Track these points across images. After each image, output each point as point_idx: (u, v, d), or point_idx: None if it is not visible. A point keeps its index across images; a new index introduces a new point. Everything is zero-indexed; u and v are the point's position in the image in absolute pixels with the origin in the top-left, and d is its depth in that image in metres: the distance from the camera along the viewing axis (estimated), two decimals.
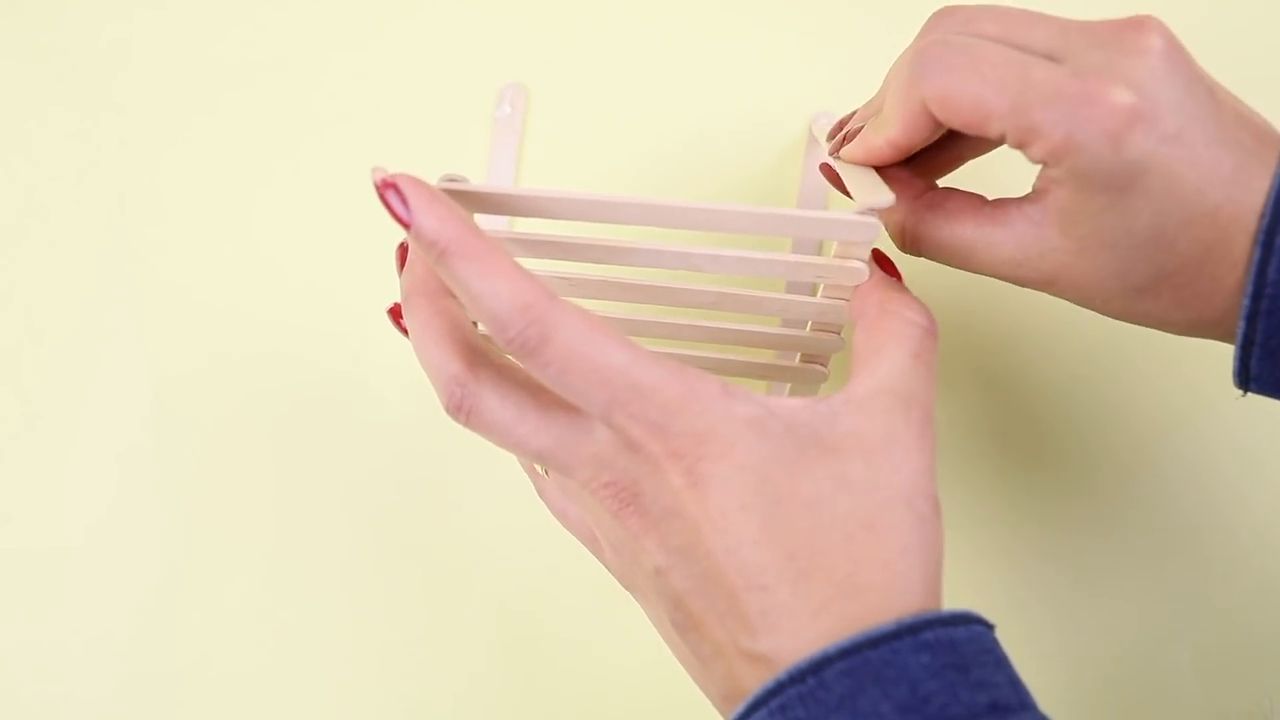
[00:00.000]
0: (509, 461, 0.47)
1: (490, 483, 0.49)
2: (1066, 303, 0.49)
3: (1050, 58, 0.31)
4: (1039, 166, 0.32)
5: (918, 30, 0.48)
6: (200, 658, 0.49)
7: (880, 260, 0.35)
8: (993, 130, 0.31)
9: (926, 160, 0.37)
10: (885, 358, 0.31)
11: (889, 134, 0.34)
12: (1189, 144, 0.30)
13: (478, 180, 0.48)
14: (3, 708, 0.48)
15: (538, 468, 0.37)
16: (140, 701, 0.49)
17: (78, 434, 0.49)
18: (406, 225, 0.28)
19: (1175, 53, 0.31)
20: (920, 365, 0.31)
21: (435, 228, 0.28)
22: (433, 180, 0.31)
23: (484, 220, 0.35)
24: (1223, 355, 0.49)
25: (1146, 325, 0.34)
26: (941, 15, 0.34)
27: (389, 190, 0.28)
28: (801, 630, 0.28)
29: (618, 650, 0.49)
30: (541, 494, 0.37)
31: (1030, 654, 0.49)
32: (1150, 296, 0.33)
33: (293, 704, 0.49)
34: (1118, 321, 0.49)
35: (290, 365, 0.50)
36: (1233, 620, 0.50)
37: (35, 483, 0.49)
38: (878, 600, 0.28)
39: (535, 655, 0.49)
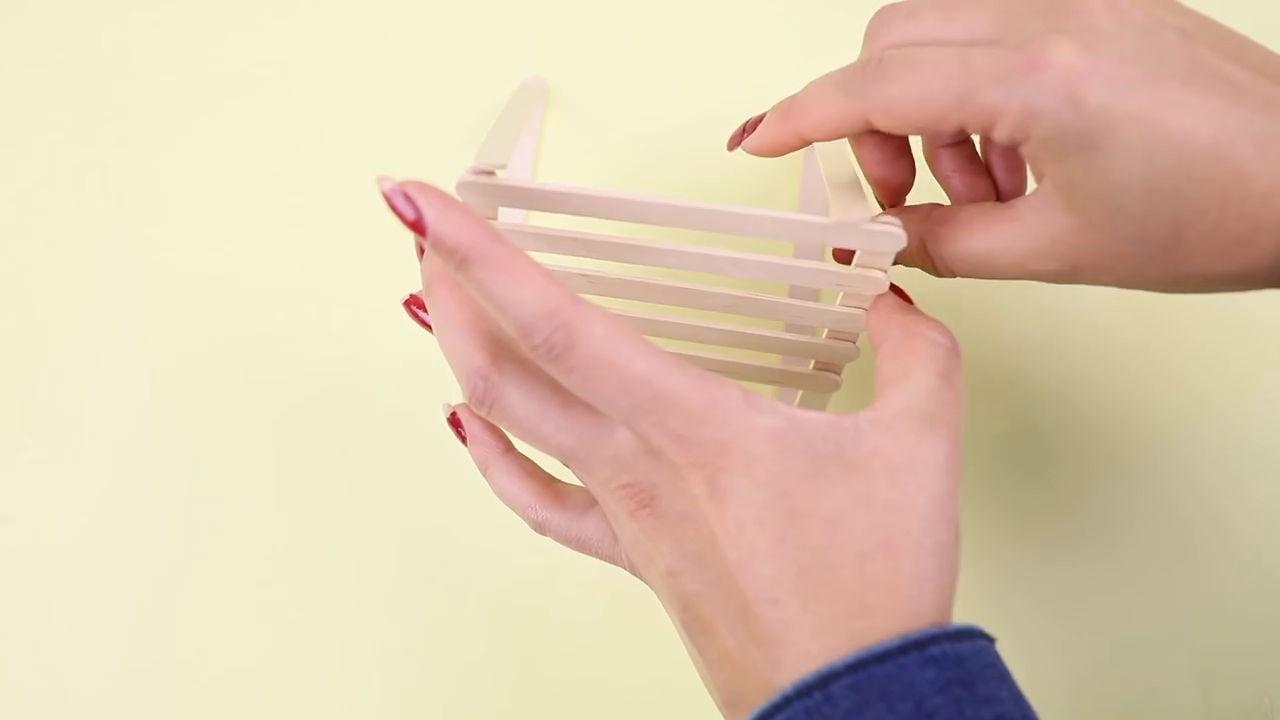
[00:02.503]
0: None
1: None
2: (1064, 305, 0.50)
3: (994, 41, 0.30)
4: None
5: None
6: (198, 654, 0.49)
7: (895, 290, 0.34)
8: (949, 125, 0.30)
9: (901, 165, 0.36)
10: (912, 379, 0.30)
11: (801, 125, 0.33)
12: (1160, 87, 0.28)
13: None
14: (2, 704, 0.48)
15: (531, 513, 0.36)
16: (139, 697, 0.49)
17: (77, 431, 0.49)
18: (422, 233, 0.27)
19: (1122, 1, 0.30)
20: (948, 387, 0.31)
21: (453, 235, 0.27)
22: (460, 162, 0.31)
23: (503, 213, 0.34)
24: (1222, 355, 0.50)
25: (1203, 290, 0.32)
26: (883, 16, 0.33)
27: (399, 197, 0.27)
28: (807, 646, 0.28)
29: (618, 649, 0.49)
30: (544, 529, 0.36)
31: (1029, 655, 0.49)
32: (1182, 255, 0.30)
33: (291, 700, 0.49)
34: (1116, 322, 0.49)
35: (291, 364, 0.49)
36: (1233, 620, 0.50)
37: (34, 480, 0.49)
38: (886, 623, 0.28)
39: (535, 654, 0.49)
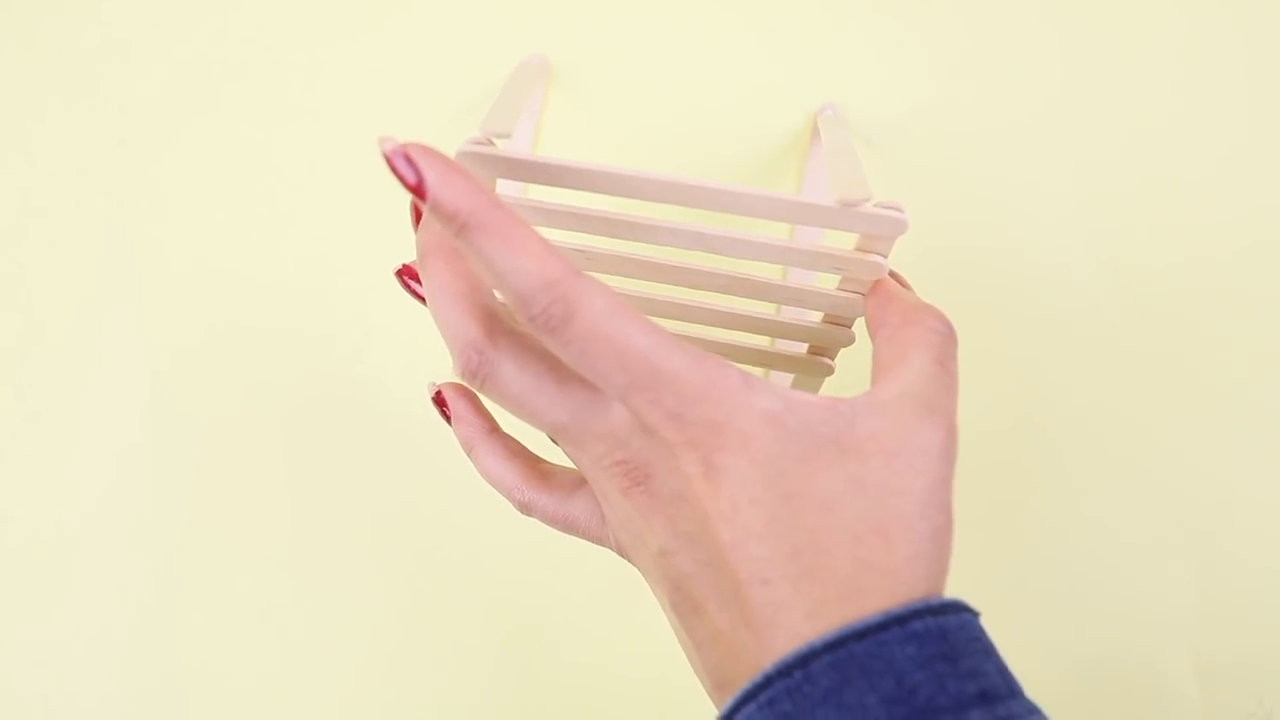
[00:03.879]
0: None
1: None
2: (1065, 303, 0.50)
3: None
4: None
5: (926, 23, 0.47)
6: (199, 657, 0.49)
7: (894, 276, 0.35)
8: None
9: None
10: (910, 365, 0.31)
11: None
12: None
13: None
14: (2, 707, 0.48)
15: (518, 493, 0.35)
16: (140, 699, 0.48)
17: (78, 432, 0.49)
18: (422, 196, 0.27)
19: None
20: (945, 373, 0.31)
21: (453, 200, 0.27)
22: (461, 141, 0.31)
23: (501, 186, 0.34)
24: (1223, 355, 0.50)
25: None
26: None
27: (400, 159, 0.27)
28: (797, 627, 0.27)
29: (619, 644, 0.49)
30: (530, 510, 0.35)
31: (1029, 654, 0.48)
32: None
33: (294, 699, 0.49)
34: (1117, 320, 0.49)
35: (292, 362, 0.49)
36: (1233, 620, 0.50)
37: (35, 481, 0.49)
38: (878, 606, 0.27)
39: (539, 650, 0.49)
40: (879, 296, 0.33)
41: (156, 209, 0.50)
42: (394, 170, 0.27)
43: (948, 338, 0.32)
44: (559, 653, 0.49)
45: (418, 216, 0.33)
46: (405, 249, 0.48)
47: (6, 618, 0.49)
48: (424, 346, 0.48)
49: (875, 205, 0.32)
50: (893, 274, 0.34)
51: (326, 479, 0.49)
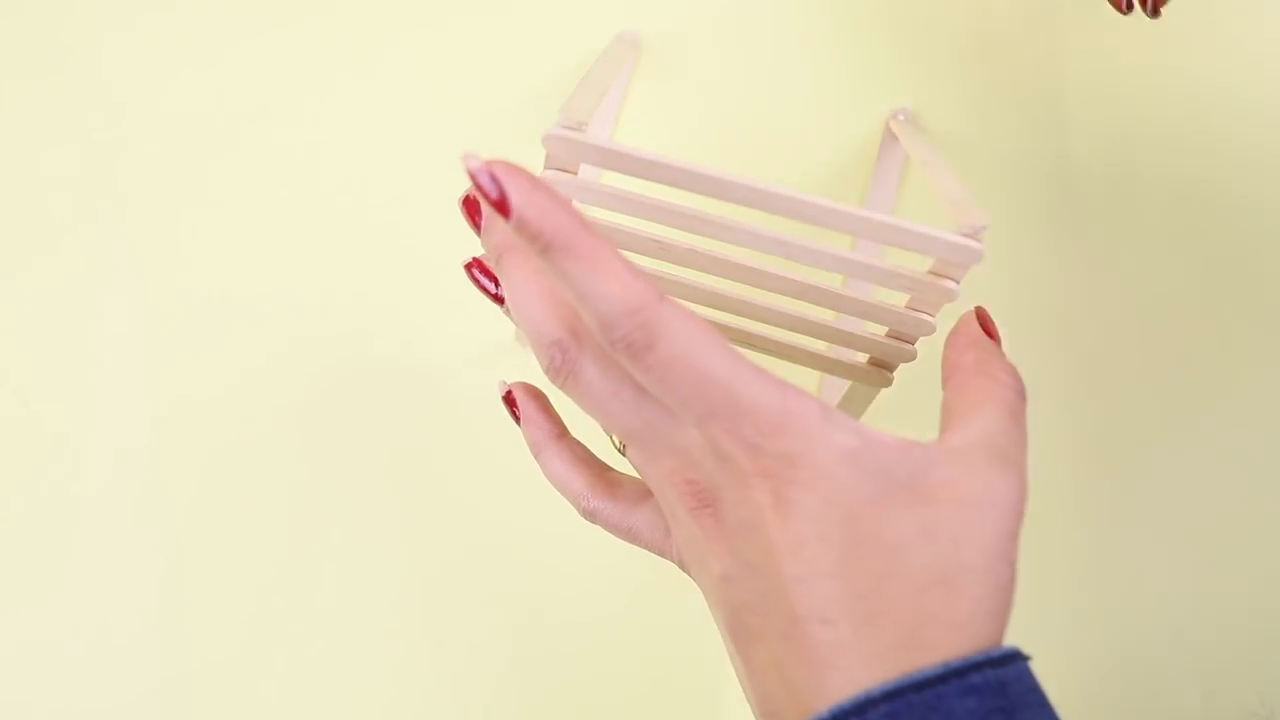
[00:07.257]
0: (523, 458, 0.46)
1: (501, 475, 0.49)
2: (1066, 300, 0.50)
3: None
4: None
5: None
6: (199, 656, 0.49)
7: (981, 318, 0.34)
8: None
9: None
10: (983, 415, 0.30)
11: None
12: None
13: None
14: (2, 710, 0.48)
15: (583, 500, 0.35)
16: (139, 699, 0.48)
17: (79, 431, 0.49)
18: (506, 214, 0.26)
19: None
20: (1016, 427, 0.30)
21: (538, 219, 0.26)
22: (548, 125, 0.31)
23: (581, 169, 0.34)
24: (1222, 352, 0.50)
25: None
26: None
27: (484, 176, 0.26)
28: (854, 671, 0.27)
29: (633, 640, 0.50)
30: (594, 518, 0.35)
31: (1029, 653, 0.49)
32: None
33: (295, 699, 0.49)
34: (1116, 319, 0.49)
35: (293, 357, 0.49)
36: (1233, 620, 0.51)
37: (36, 482, 0.49)
38: (937, 657, 0.27)
39: (547, 649, 0.50)
40: (958, 341, 0.33)
41: (160, 211, 0.49)
42: (478, 187, 0.26)
43: (1020, 394, 0.31)
44: (570, 650, 0.50)
45: (474, 217, 0.32)
46: (408, 253, 0.48)
47: (6, 618, 0.49)
48: (426, 344, 0.49)
49: (956, 232, 0.32)
50: (983, 318, 0.34)
51: (325, 478, 0.49)
